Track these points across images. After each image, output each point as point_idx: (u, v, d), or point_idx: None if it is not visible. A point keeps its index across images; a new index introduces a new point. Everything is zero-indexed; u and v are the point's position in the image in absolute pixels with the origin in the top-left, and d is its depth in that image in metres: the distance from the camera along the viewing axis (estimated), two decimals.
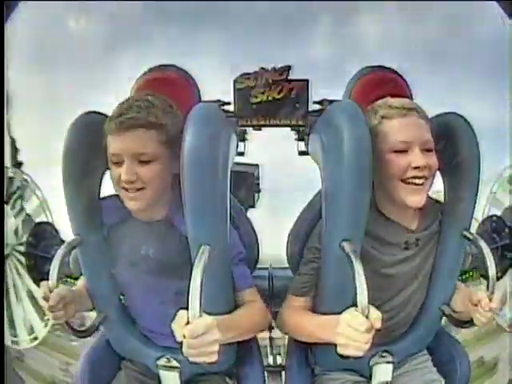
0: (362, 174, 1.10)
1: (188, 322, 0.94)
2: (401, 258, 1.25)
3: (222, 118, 1.16)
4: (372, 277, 1.05)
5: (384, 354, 1.29)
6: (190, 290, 0.94)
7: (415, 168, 1.14)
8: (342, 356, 1.05)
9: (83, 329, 1.23)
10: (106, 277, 1.26)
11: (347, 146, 1.08)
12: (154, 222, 1.22)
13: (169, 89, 1.27)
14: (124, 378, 1.30)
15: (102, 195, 1.26)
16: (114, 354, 1.34)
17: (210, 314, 0.97)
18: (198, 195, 1.09)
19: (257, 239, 1.42)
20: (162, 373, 1.28)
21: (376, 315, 0.99)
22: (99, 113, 1.23)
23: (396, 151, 1.16)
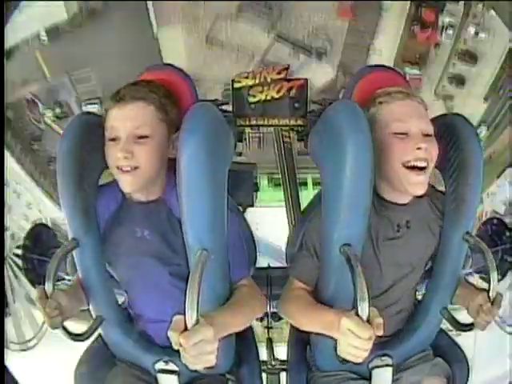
0: (362, 174, 1.09)
1: (185, 328, 0.92)
2: (390, 238, 1.23)
3: (219, 118, 1.15)
4: (367, 263, 1.05)
5: (383, 358, 1.28)
6: (187, 295, 0.93)
7: (417, 149, 1.13)
8: (341, 359, 1.04)
9: (80, 332, 1.22)
10: (103, 278, 1.24)
11: (347, 146, 1.07)
12: (148, 203, 1.22)
13: (166, 88, 1.26)
14: (119, 373, 1.29)
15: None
16: (111, 353, 1.33)
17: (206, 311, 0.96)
18: (195, 197, 1.07)
19: (254, 240, 1.41)
20: (160, 376, 1.27)
21: (378, 322, 0.98)
22: (96, 114, 1.23)
23: (396, 133, 1.15)
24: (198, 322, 0.93)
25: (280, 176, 4.05)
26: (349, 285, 1.04)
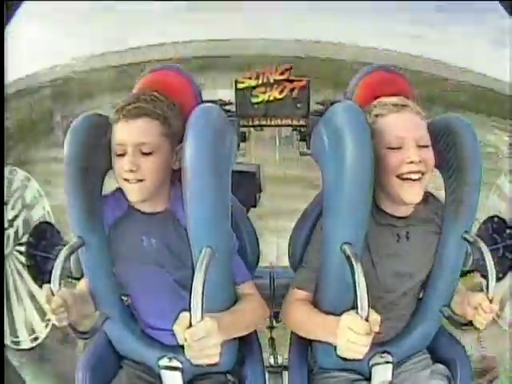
0: (363, 175, 1.11)
1: (190, 325, 0.94)
2: (393, 251, 1.25)
3: (223, 120, 1.16)
4: (367, 272, 1.06)
5: (383, 355, 1.29)
6: (192, 292, 0.95)
7: (410, 163, 1.14)
8: (341, 357, 1.05)
9: (85, 330, 1.24)
10: (108, 277, 1.26)
11: (348, 146, 1.09)
12: (155, 214, 1.25)
13: (170, 89, 1.28)
14: (125, 377, 1.31)
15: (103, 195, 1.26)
16: (115, 352, 1.34)
17: (211, 310, 0.98)
18: (199, 197, 1.09)
19: (257, 240, 1.42)
20: (164, 373, 1.28)
21: (375, 318, 1.00)
22: (100, 114, 1.25)
23: (391, 148, 1.17)
24: (202, 318, 0.95)
25: None
26: (349, 283, 1.05)
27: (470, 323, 1.20)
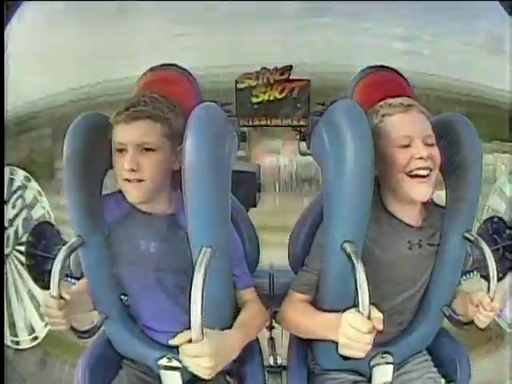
0: (363, 174, 1.10)
1: (190, 340, 0.95)
2: (404, 258, 1.25)
3: (223, 119, 1.16)
4: (373, 276, 1.05)
5: (384, 355, 1.29)
6: (192, 298, 0.94)
7: (419, 158, 1.15)
8: (342, 356, 1.05)
9: (85, 329, 1.24)
10: (108, 277, 1.26)
11: (349, 146, 1.08)
12: (155, 217, 1.24)
13: (170, 88, 1.28)
14: (125, 377, 1.30)
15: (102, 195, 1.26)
16: (115, 352, 1.34)
17: (213, 312, 0.99)
18: (199, 197, 1.09)
19: (257, 239, 1.42)
20: (163, 373, 1.28)
21: (377, 316, 0.99)
22: (100, 114, 1.24)
23: (399, 146, 1.17)
24: (202, 333, 0.95)
25: None
26: (350, 282, 1.05)
27: (471, 323, 1.19)
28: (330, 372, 1.33)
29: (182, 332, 0.99)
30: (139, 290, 1.27)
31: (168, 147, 1.20)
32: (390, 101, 1.23)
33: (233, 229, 1.26)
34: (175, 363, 1.26)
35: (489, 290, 1.16)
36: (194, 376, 1.28)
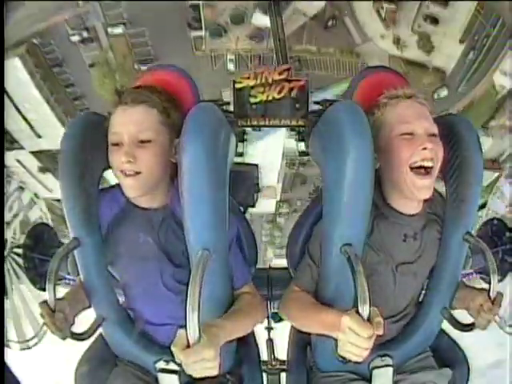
0: (363, 174, 1.09)
1: (188, 345, 0.92)
2: (401, 250, 1.24)
3: (221, 119, 1.15)
4: (372, 270, 1.04)
5: (384, 358, 1.28)
6: (188, 301, 0.92)
7: (423, 149, 1.13)
8: (341, 359, 1.04)
9: (81, 331, 1.22)
10: (104, 278, 1.24)
11: (348, 146, 1.07)
12: (152, 210, 1.23)
13: (168, 88, 1.27)
14: (120, 374, 1.29)
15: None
16: (112, 353, 1.33)
17: (212, 312, 0.98)
18: (196, 198, 1.08)
19: (255, 240, 1.41)
20: (161, 375, 1.27)
21: (378, 321, 0.98)
22: (97, 113, 1.23)
23: (402, 134, 1.16)
24: (200, 337, 0.93)
25: None
26: (349, 285, 1.03)
27: (471, 325, 1.19)
28: (330, 372, 1.32)
29: (181, 327, 0.95)
30: (139, 283, 1.26)
31: (166, 137, 1.17)
32: (391, 92, 1.22)
33: (231, 228, 1.24)
34: (173, 366, 1.25)
35: (489, 293, 1.15)
36: (192, 378, 1.29)
